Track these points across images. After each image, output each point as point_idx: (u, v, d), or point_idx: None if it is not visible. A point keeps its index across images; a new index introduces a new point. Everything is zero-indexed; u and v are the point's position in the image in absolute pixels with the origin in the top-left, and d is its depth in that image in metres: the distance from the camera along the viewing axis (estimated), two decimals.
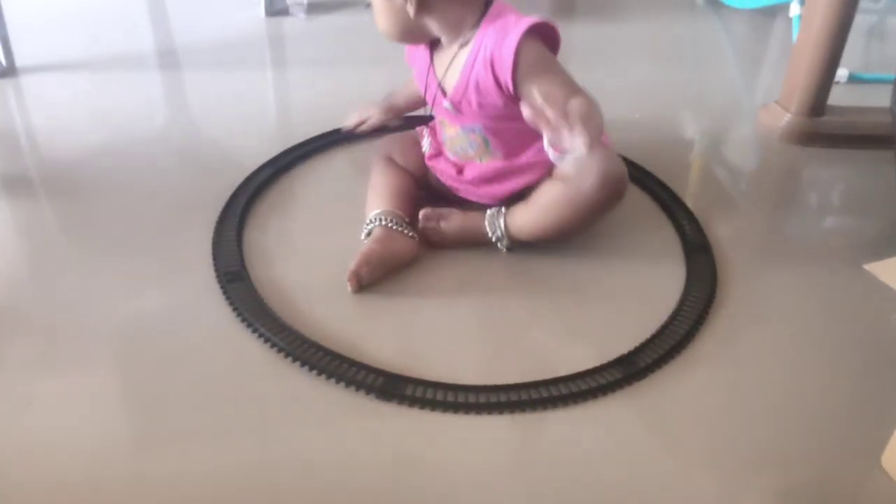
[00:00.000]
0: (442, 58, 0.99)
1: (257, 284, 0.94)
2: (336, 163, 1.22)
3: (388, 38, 0.99)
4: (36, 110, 1.38)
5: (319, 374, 0.83)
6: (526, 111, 0.77)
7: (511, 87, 0.92)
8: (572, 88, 0.89)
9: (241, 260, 0.98)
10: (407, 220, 1.00)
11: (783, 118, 1.31)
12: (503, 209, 0.98)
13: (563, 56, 0.97)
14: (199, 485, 0.72)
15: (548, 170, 0.98)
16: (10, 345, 0.87)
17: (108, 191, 1.13)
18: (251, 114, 1.37)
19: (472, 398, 0.81)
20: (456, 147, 1.04)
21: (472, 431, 0.78)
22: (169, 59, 1.58)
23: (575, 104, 0.76)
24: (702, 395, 0.84)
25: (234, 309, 0.91)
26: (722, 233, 1.07)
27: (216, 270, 0.97)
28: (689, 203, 1.13)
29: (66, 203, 1.12)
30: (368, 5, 0.99)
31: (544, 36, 0.93)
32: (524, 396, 0.81)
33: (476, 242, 1.00)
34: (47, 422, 0.78)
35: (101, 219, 1.08)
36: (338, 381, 0.82)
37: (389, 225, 0.98)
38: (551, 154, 0.79)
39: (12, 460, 0.74)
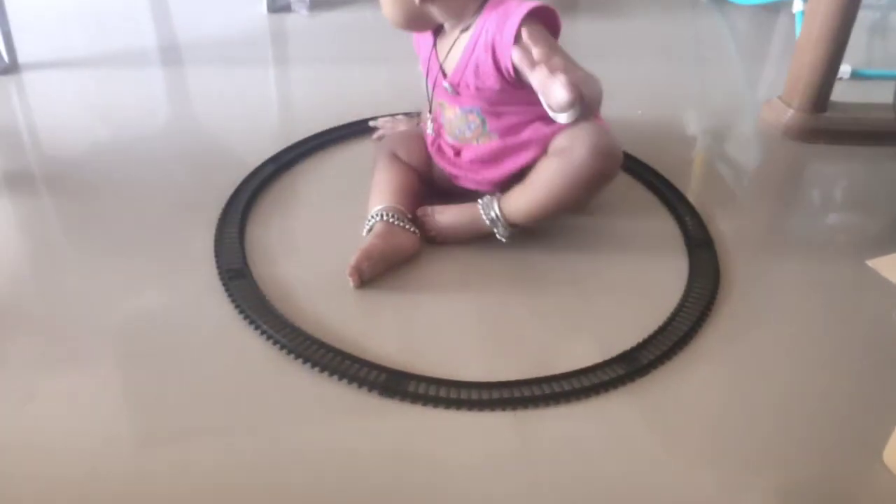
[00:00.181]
0: (445, 42, 1.00)
1: (259, 281, 0.95)
2: (339, 159, 1.22)
3: (394, 24, 1.00)
4: (38, 107, 1.38)
5: (322, 371, 0.83)
6: (516, 55, 0.81)
7: (512, 71, 0.92)
8: (573, 64, 0.90)
9: (244, 257, 0.99)
10: (409, 215, 1.01)
11: (786, 114, 1.31)
12: (497, 194, 0.99)
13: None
14: (201, 482, 0.73)
15: (543, 149, 0.99)
16: (12, 342, 0.87)
17: (110, 188, 1.13)
18: (253, 110, 1.37)
19: (474, 395, 0.81)
20: (454, 129, 1.04)
21: (474, 428, 0.78)
22: (171, 55, 1.58)
23: (558, 61, 0.80)
24: (704, 392, 0.84)
25: (237, 306, 0.91)
26: (724, 229, 1.07)
27: (218, 268, 0.97)
28: (692, 199, 1.13)
29: (68, 200, 1.12)
30: None
31: (545, 20, 0.93)
32: (526, 393, 0.81)
33: (474, 233, 1.00)
34: (49, 419, 0.78)
35: (103, 216, 1.08)
36: (340, 378, 0.82)
37: (391, 220, 0.98)
38: (550, 113, 0.85)
39: (14, 457, 0.74)
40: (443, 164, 1.07)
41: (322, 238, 1.04)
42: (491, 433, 0.78)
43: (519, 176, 1.02)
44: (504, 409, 0.80)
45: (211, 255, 0.99)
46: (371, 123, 1.25)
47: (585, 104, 0.85)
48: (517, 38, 0.90)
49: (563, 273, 0.99)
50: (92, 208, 1.09)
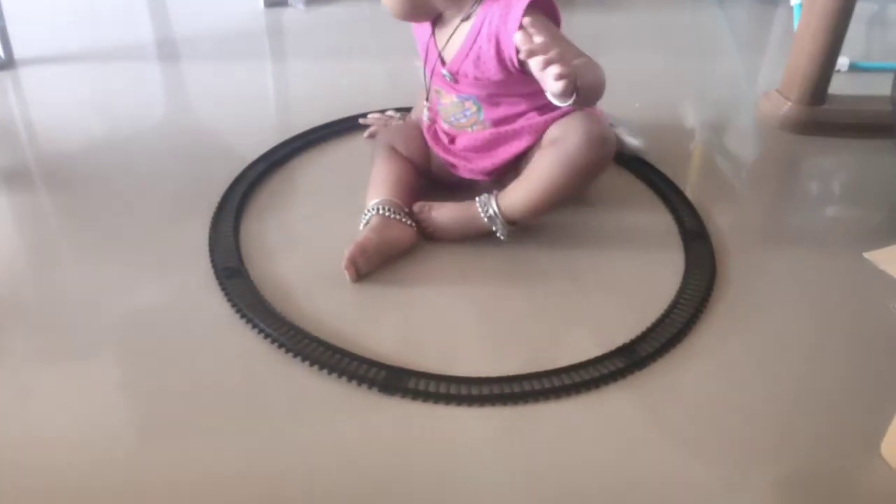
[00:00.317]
0: (444, 30, 1.00)
1: (255, 278, 0.94)
2: (335, 154, 1.22)
3: (395, 15, 0.99)
4: (34, 103, 1.38)
5: (321, 368, 0.83)
6: (519, 39, 0.82)
7: (516, 62, 0.93)
8: (573, 53, 0.91)
9: (239, 253, 0.98)
10: (406, 209, 1.00)
11: (784, 107, 1.31)
12: (494, 192, 0.99)
13: None
14: (198, 480, 0.73)
15: (535, 138, 0.99)
16: (8, 338, 0.87)
17: (106, 183, 1.13)
18: (250, 105, 1.37)
19: (474, 390, 0.81)
20: (450, 116, 1.05)
21: (474, 423, 0.79)
22: (167, 50, 1.57)
23: (556, 49, 0.81)
24: (701, 385, 0.84)
25: (233, 304, 0.90)
26: (721, 221, 1.07)
27: (214, 264, 0.96)
28: (689, 192, 1.13)
29: (64, 196, 1.12)
30: None
31: (546, 11, 0.94)
32: (526, 388, 0.81)
33: (472, 231, 1.00)
34: (46, 415, 0.78)
35: (99, 211, 1.07)
36: (339, 376, 0.82)
37: (386, 213, 0.98)
38: (550, 98, 0.86)
39: (11, 453, 0.74)
40: (438, 151, 1.07)
41: (319, 233, 1.04)
42: (491, 428, 0.78)
43: (513, 167, 1.03)
44: (504, 405, 0.80)
45: (207, 250, 0.99)
46: (361, 121, 1.25)
47: (583, 91, 0.85)
48: (520, 28, 0.90)
49: (560, 267, 0.99)
50: (88, 204, 1.09)
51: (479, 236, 1.00)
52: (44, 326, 0.89)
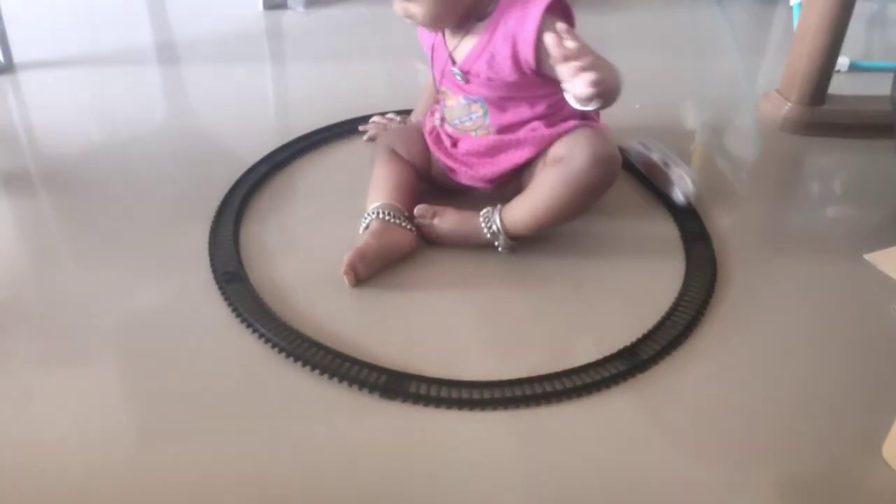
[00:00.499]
0: (455, 29, 0.99)
1: (255, 283, 0.94)
2: (335, 157, 1.22)
3: (426, 22, 0.96)
4: (34, 107, 1.38)
5: (322, 373, 0.82)
6: (549, 40, 0.83)
7: (532, 63, 0.93)
8: (595, 54, 0.91)
9: (239, 257, 0.98)
10: (406, 213, 1.00)
11: (784, 107, 1.31)
12: (499, 206, 0.98)
13: None
14: (198, 482, 0.73)
15: (539, 148, 0.99)
16: (9, 341, 0.87)
17: (106, 187, 1.13)
18: (249, 108, 1.37)
19: (476, 394, 0.81)
20: (454, 118, 1.04)
21: (476, 428, 0.78)
22: (167, 53, 1.57)
23: (588, 53, 0.83)
24: (703, 387, 0.84)
25: (233, 309, 0.90)
26: (722, 223, 1.07)
27: (214, 268, 0.96)
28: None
29: (64, 199, 1.12)
30: None
31: (562, 13, 0.95)
32: (528, 391, 0.81)
33: (472, 242, 1.00)
34: (47, 417, 0.79)
35: (99, 215, 1.07)
36: (340, 381, 0.82)
37: (387, 218, 0.98)
38: (571, 101, 0.87)
39: (12, 455, 0.74)
40: (439, 155, 1.06)
41: (319, 236, 1.04)
42: (493, 432, 0.78)
43: (515, 176, 1.02)
44: (506, 409, 0.80)
45: (207, 253, 0.99)
46: (361, 128, 1.25)
47: (605, 96, 0.86)
48: (539, 31, 0.91)
49: (560, 270, 0.99)
50: (88, 207, 1.09)
51: (476, 245, 1.00)
52: (44, 329, 0.89)
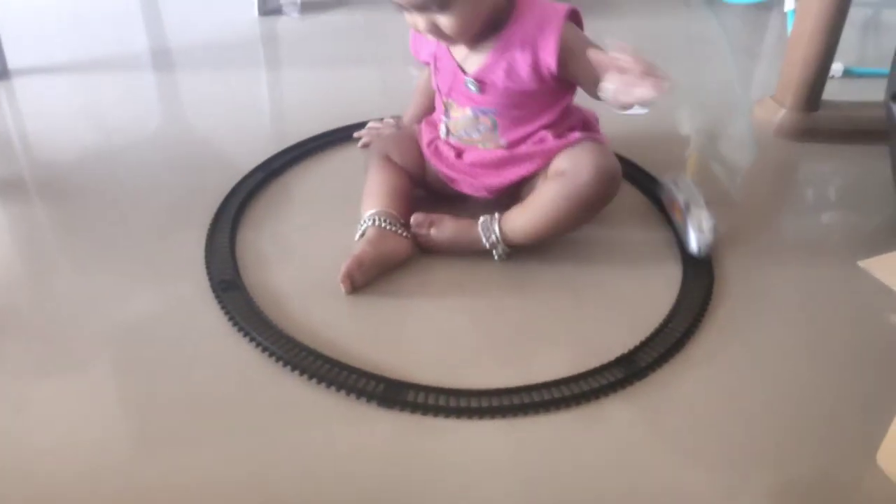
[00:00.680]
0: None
1: (251, 289, 0.94)
2: (331, 163, 1.22)
3: (462, 37, 0.95)
4: (29, 113, 1.37)
5: (319, 382, 0.82)
6: (594, 56, 0.84)
7: (554, 67, 0.94)
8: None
9: (235, 265, 0.98)
10: (402, 220, 1.00)
11: (778, 113, 1.31)
12: (497, 214, 0.98)
13: None
14: (194, 490, 0.72)
15: (545, 160, 0.99)
16: (4, 348, 0.87)
17: (101, 194, 1.13)
18: (245, 115, 1.37)
19: (473, 403, 0.80)
20: (460, 130, 1.04)
21: (474, 436, 0.78)
22: (162, 59, 1.57)
23: (642, 60, 0.82)
24: (701, 394, 0.84)
25: (230, 318, 0.90)
26: (718, 229, 1.07)
27: (210, 276, 0.96)
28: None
29: (59, 206, 1.11)
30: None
31: (578, 22, 0.97)
32: (526, 399, 0.81)
33: (469, 251, 0.99)
34: (42, 425, 0.78)
35: (94, 222, 1.07)
36: (338, 389, 0.81)
37: (383, 225, 0.98)
38: (616, 108, 0.87)
39: (7, 462, 0.74)
40: (440, 167, 1.06)
41: (315, 244, 1.03)
42: (491, 441, 0.78)
43: (516, 186, 1.03)
44: (504, 417, 0.80)
45: (203, 261, 0.99)
46: (356, 134, 1.25)
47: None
48: (561, 37, 0.93)
49: (557, 276, 0.99)
50: (83, 214, 1.09)
51: (473, 253, 1.00)
52: (39, 336, 0.89)
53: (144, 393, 0.83)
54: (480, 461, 0.76)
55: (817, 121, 1.30)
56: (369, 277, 0.95)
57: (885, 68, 1.06)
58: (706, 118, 1.42)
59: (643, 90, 0.81)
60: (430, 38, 0.97)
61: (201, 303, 0.93)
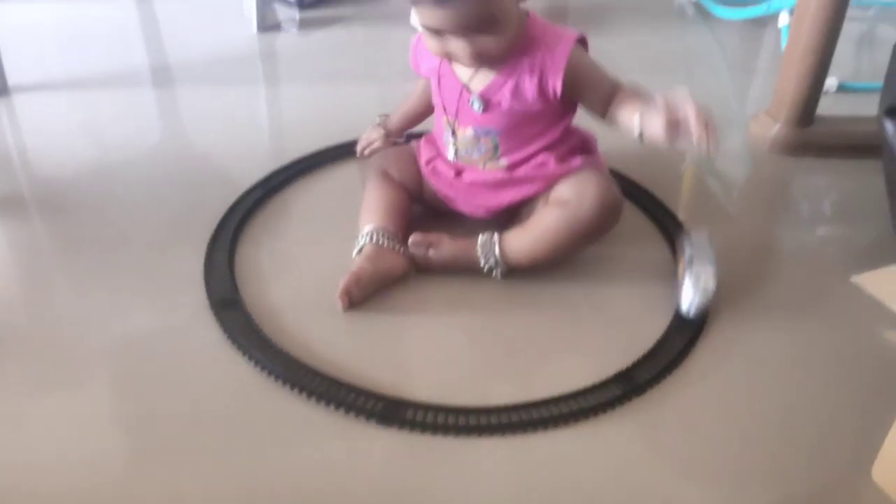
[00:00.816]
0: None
1: (249, 306, 0.95)
2: (330, 180, 1.22)
3: (494, 59, 0.95)
4: (28, 130, 1.38)
5: (318, 400, 0.82)
6: (663, 99, 0.88)
7: (559, 89, 0.95)
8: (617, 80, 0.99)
9: (233, 282, 0.98)
10: (399, 236, 1.01)
11: (773, 128, 1.32)
12: (496, 235, 0.98)
13: None
14: None
15: (546, 185, 1.00)
16: (1, 364, 0.87)
17: (100, 210, 1.13)
18: (244, 131, 1.37)
19: (473, 420, 0.81)
20: (461, 149, 1.04)
21: (471, 454, 0.79)
22: (161, 76, 1.58)
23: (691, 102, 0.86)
24: (698, 410, 0.85)
25: (228, 336, 0.90)
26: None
27: (209, 292, 0.97)
28: (680, 214, 1.13)
29: (57, 223, 1.12)
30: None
31: (585, 45, 0.99)
32: (524, 417, 0.81)
33: (467, 270, 0.99)
34: (39, 441, 0.78)
35: (93, 239, 1.07)
36: (337, 408, 0.82)
37: (380, 242, 0.98)
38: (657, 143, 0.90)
39: (3, 479, 0.74)
40: (438, 187, 1.06)
41: (313, 260, 1.04)
42: (489, 459, 0.78)
43: (515, 208, 1.03)
44: (502, 434, 0.80)
45: (201, 278, 0.99)
46: (359, 147, 1.25)
47: None
48: (569, 60, 0.95)
49: (555, 293, 0.99)
50: (82, 231, 1.09)
51: (471, 272, 1.00)
52: (37, 352, 0.89)
53: (142, 409, 0.83)
54: (480, 479, 0.76)
55: (811, 136, 1.31)
56: (367, 294, 0.95)
57: (880, 83, 1.07)
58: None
59: (694, 139, 0.84)
60: (463, 63, 0.97)
61: (200, 319, 0.93)
